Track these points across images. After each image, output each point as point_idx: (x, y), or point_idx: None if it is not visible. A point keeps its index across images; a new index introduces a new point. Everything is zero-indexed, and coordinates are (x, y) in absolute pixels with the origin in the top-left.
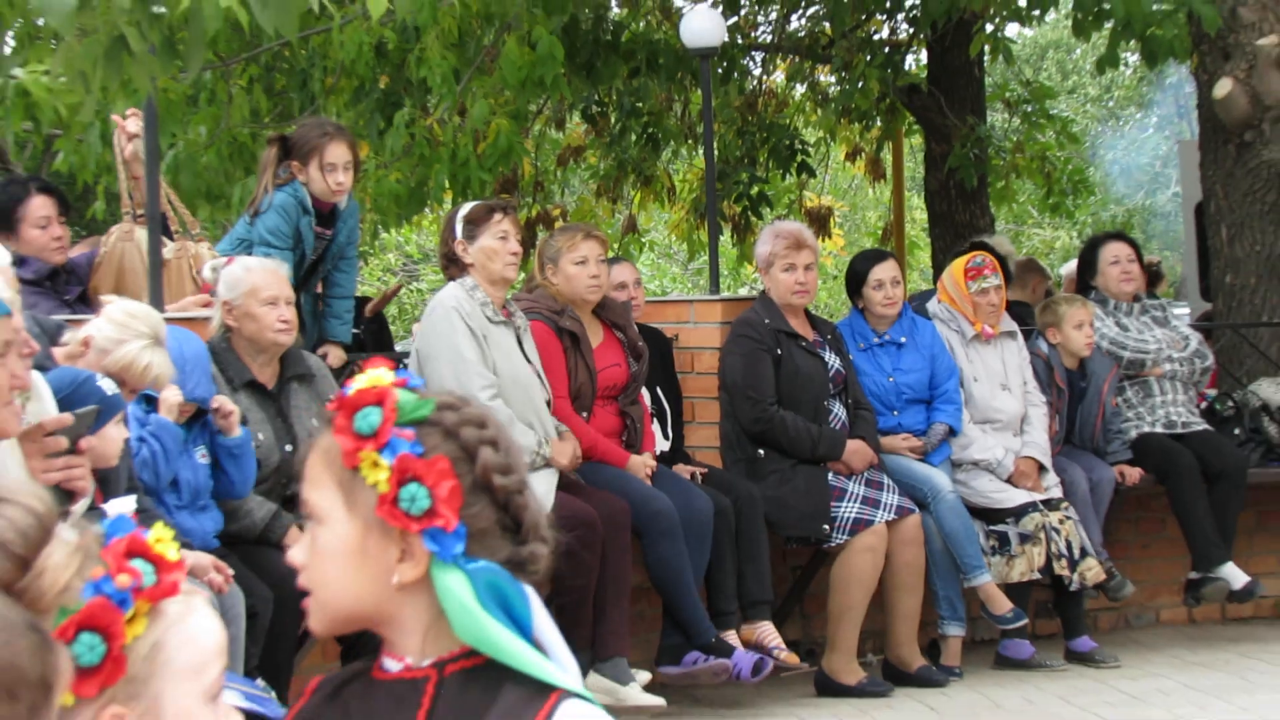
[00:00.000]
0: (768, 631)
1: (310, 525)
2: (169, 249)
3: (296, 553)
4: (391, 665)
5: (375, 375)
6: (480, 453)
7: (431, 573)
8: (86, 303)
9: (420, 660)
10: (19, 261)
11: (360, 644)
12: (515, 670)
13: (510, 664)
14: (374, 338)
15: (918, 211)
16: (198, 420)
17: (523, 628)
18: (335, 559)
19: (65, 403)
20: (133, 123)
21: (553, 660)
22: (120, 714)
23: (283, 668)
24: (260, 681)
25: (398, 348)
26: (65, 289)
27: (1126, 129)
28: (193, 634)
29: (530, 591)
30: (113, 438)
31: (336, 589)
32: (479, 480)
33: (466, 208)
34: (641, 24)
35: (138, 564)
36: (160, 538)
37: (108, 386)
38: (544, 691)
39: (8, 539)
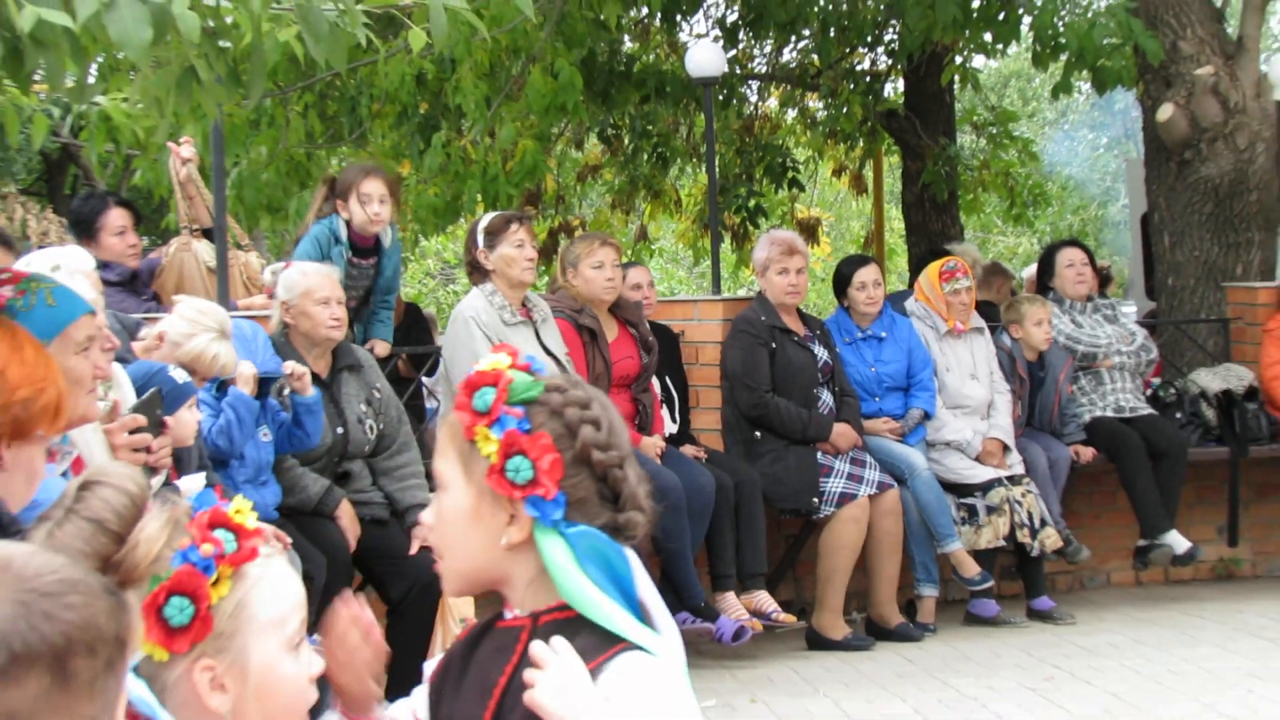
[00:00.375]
0: (764, 599)
1: (437, 492)
2: (204, 246)
3: (427, 514)
4: (507, 615)
5: (496, 359)
6: (581, 430)
7: (535, 536)
8: (159, 302)
9: (523, 612)
10: (103, 265)
11: (406, 607)
12: (595, 622)
13: (592, 617)
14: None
15: (896, 221)
16: (261, 397)
17: (623, 585)
18: (455, 522)
19: (141, 391)
20: (186, 149)
21: (652, 613)
22: (210, 666)
23: None
24: (316, 638)
25: (439, 341)
26: (143, 290)
27: (1080, 148)
28: (273, 592)
29: (630, 553)
30: (187, 421)
31: (457, 550)
32: (579, 454)
33: (486, 219)
34: (651, 56)
35: (220, 534)
36: (240, 509)
37: (179, 376)
38: (610, 642)
39: (105, 518)
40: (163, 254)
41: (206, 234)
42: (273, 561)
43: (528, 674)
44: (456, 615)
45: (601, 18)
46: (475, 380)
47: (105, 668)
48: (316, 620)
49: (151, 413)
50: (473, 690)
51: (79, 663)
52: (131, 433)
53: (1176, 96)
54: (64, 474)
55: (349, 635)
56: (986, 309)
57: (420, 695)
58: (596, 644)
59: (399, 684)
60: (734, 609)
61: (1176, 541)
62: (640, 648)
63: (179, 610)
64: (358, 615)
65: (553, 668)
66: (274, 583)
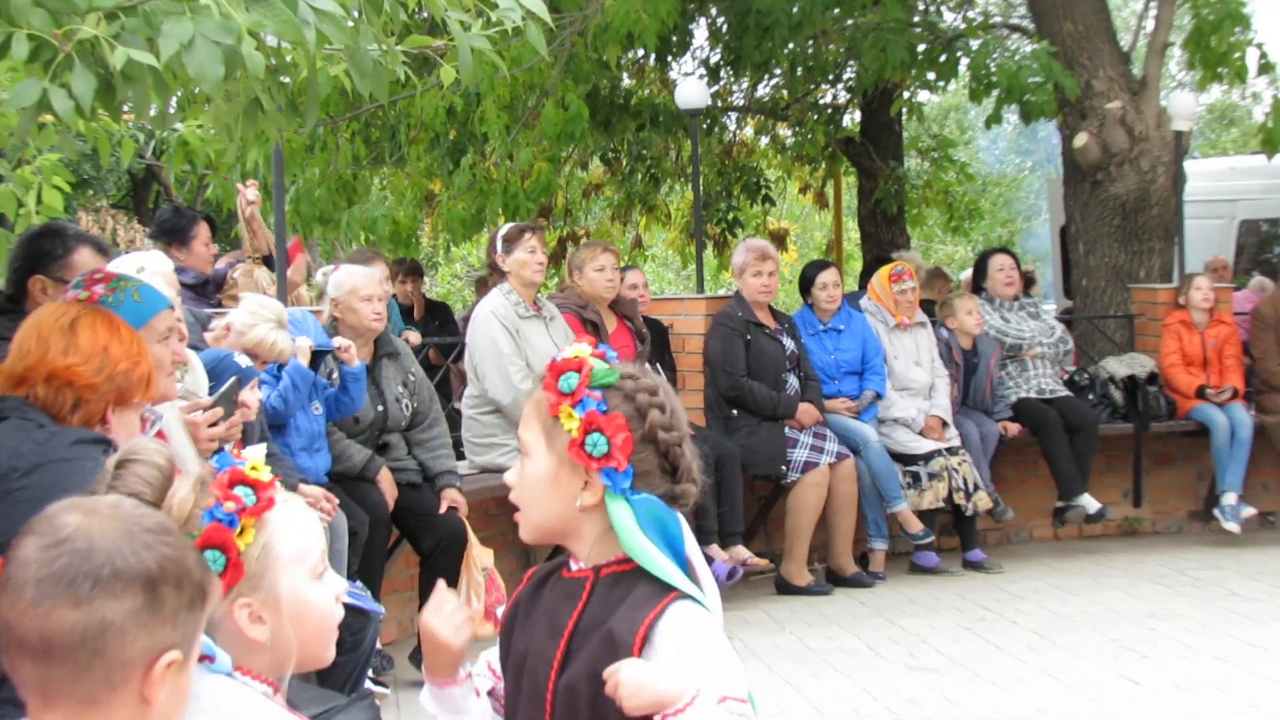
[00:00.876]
0: (742, 551)
1: (520, 457)
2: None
3: (510, 475)
4: (572, 566)
5: (578, 348)
6: (650, 413)
7: (605, 500)
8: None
9: (587, 564)
10: (179, 270)
11: (435, 558)
12: (652, 574)
13: (651, 570)
14: (436, 327)
15: (852, 232)
16: (313, 369)
17: (675, 546)
18: (536, 484)
19: (212, 374)
20: (251, 191)
21: (696, 570)
22: (247, 603)
23: (375, 573)
24: (359, 582)
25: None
26: (211, 295)
27: (1009, 169)
28: (292, 531)
29: (682, 519)
30: (250, 400)
31: (537, 506)
32: (647, 434)
33: (504, 229)
34: (646, 91)
35: (240, 490)
36: (254, 465)
37: (243, 361)
38: (666, 591)
39: (141, 490)
40: (231, 268)
41: (266, 261)
42: (289, 505)
43: (609, 688)
44: (479, 564)
45: (604, 59)
46: (561, 365)
47: (188, 604)
48: (362, 567)
49: (230, 399)
50: (543, 630)
51: (167, 591)
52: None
53: (1090, 127)
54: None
55: (455, 616)
56: (929, 306)
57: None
58: (654, 593)
59: None
60: (719, 558)
61: (1088, 503)
62: (691, 598)
63: (213, 561)
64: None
65: (625, 673)
66: (292, 523)
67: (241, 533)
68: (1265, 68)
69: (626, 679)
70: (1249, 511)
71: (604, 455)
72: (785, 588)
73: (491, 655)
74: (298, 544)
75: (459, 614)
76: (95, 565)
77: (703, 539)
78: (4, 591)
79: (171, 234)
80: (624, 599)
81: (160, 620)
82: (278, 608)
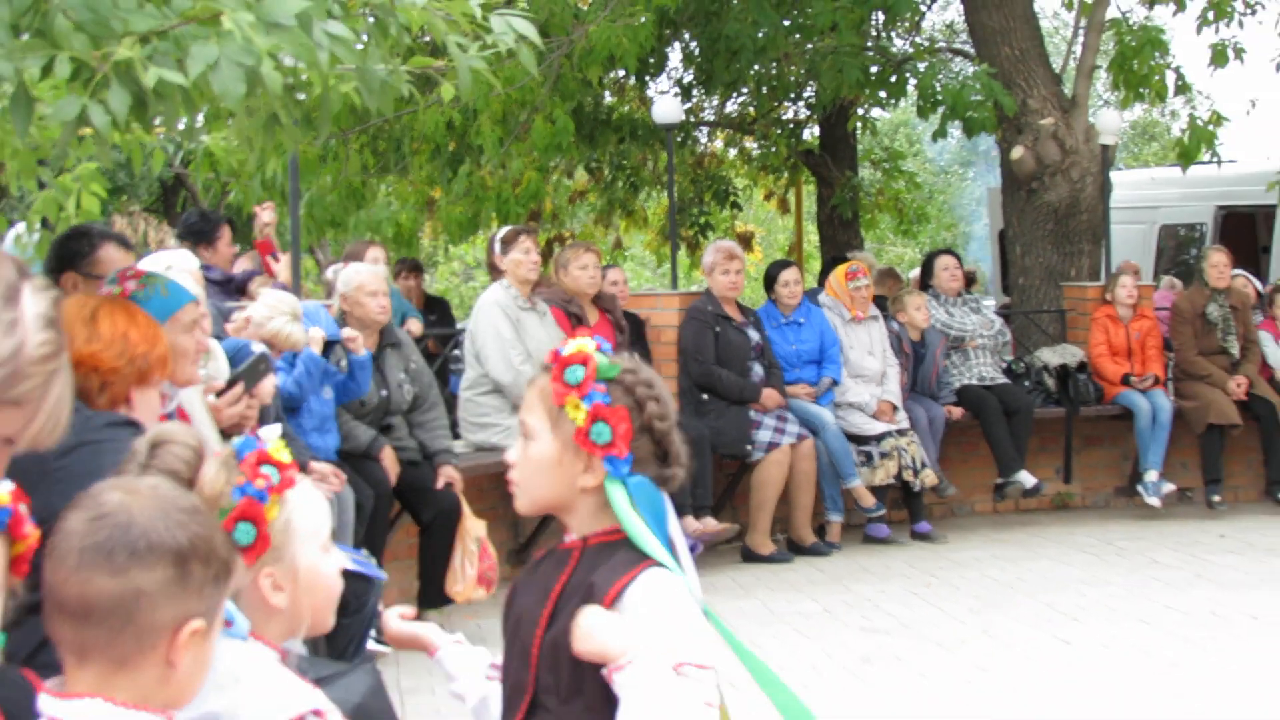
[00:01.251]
0: (711, 522)
1: (523, 439)
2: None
3: (511, 454)
4: (566, 539)
5: (581, 343)
6: (647, 405)
7: (604, 482)
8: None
9: (577, 535)
10: (206, 268)
11: (433, 528)
12: (634, 545)
13: (637, 543)
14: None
15: (812, 235)
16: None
17: (661, 524)
18: (540, 465)
19: (233, 361)
20: (266, 213)
21: (677, 549)
22: (271, 573)
23: (379, 543)
24: (364, 551)
25: (459, 325)
26: (234, 293)
27: (953, 180)
28: (308, 509)
29: (667, 500)
30: (266, 386)
31: (538, 485)
32: (644, 424)
33: (502, 232)
34: (626, 107)
35: (266, 469)
36: (278, 447)
37: (259, 350)
38: (642, 558)
39: (177, 469)
40: (249, 277)
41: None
42: (303, 485)
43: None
44: (472, 535)
45: (587, 78)
46: (567, 359)
47: (214, 579)
48: (367, 537)
49: (256, 372)
50: (535, 594)
51: (195, 565)
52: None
53: (1026, 141)
54: (170, 414)
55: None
56: (882, 302)
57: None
58: (632, 559)
59: (429, 584)
60: (690, 529)
61: (1025, 479)
62: (666, 566)
63: (245, 533)
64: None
65: (583, 617)
66: (307, 502)
67: (270, 507)
68: (1182, 88)
69: (582, 622)
70: (1169, 488)
71: (608, 443)
72: (750, 556)
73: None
74: (313, 520)
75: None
76: (132, 538)
77: (677, 512)
78: (50, 558)
79: (199, 235)
80: (605, 562)
81: (188, 592)
82: (295, 577)
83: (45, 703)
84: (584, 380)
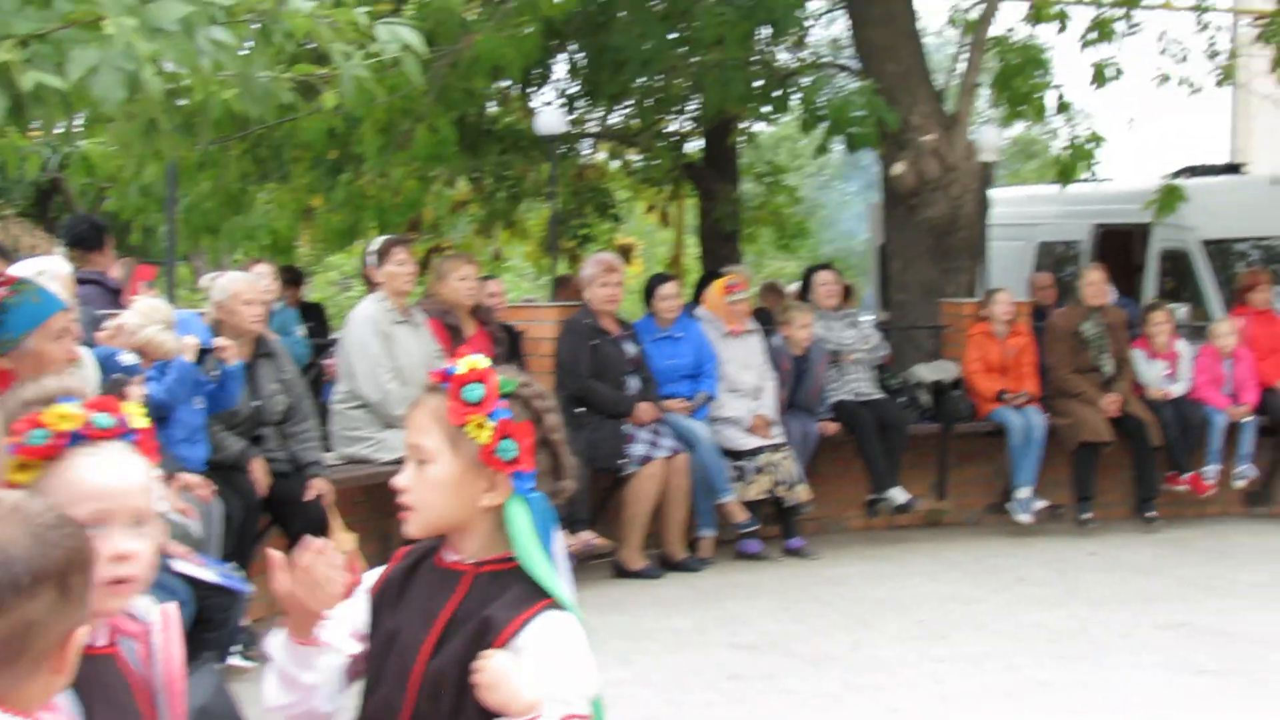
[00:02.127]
0: (588, 536)
1: (415, 462)
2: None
3: (403, 479)
4: (448, 556)
5: (474, 360)
6: (545, 418)
7: (507, 501)
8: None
9: (468, 559)
10: (98, 275)
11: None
12: (529, 576)
13: (532, 574)
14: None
15: (692, 248)
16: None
17: (548, 540)
18: (440, 487)
19: (102, 369)
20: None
21: (558, 564)
22: None
23: (247, 555)
24: (231, 564)
25: (332, 335)
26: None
27: (835, 195)
28: (75, 477)
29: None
30: (135, 394)
31: (437, 507)
32: (544, 437)
33: (376, 244)
34: (510, 118)
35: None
36: (60, 413)
37: (129, 359)
38: (538, 596)
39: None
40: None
41: None
42: (92, 454)
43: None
44: (341, 549)
45: (472, 88)
46: (463, 378)
47: (88, 583)
48: (236, 549)
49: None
50: (416, 614)
51: (75, 579)
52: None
53: (907, 157)
54: None
55: (316, 567)
56: (761, 315)
57: (358, 605)
58: (527, 596)
59: None
60: (566, 543)
61: (898, 495)
62: (563, 606)
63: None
64: (327, 554)
65: (493, 662)
66: (76, 470)
67: (14, 469)
68: (1061, 107)
69: (493, 667)
70: (1040, 505)
71: (514, 460)
72: (621, 572)
73: (356, 623)
74: (79, 490)
75: (329, 571)
76: (15, 575)
77: (568, 527)
78: None
79: (86, 242)
80: (500, 595)
81: (72, 604)
82: None
83: None
84: (486, 398)
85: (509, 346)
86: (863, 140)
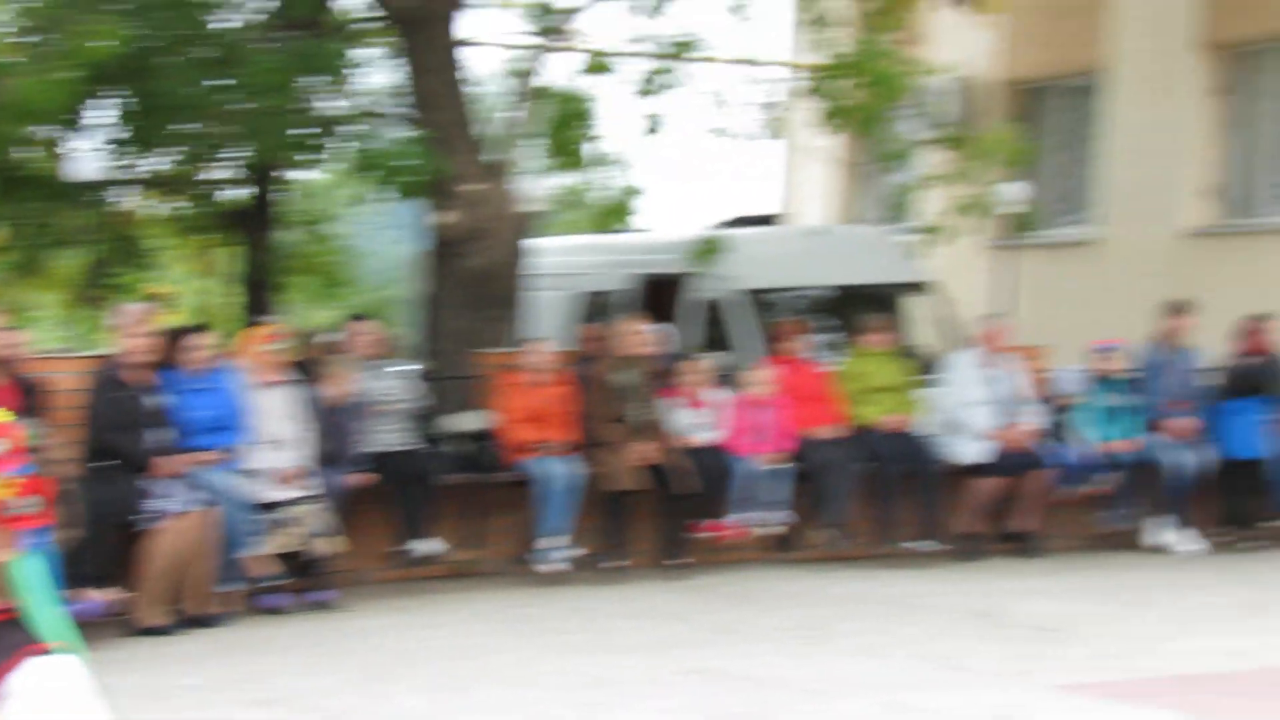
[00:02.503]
0: (97, 594)
1: None
2: None
3: None
4: None
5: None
6: (61, 470)
7: (15, 554)
8: None
9: None
10: None
11: None
12: (30, 626)
13: (34, 621)
14: None
15: (232, 296)
16: None
17: (52, 591)
18: None
19: None
20: None
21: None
22: None
23: None
24: None
25: None
26: None
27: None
28: None
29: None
30: None
31: None
32: (60, 490)
33: None
34: (44, 163)
35: None
36: None
37: None
38: (28, 644)
39: None
40: None
41: None
42: None
43: None
44: None
45: (4, 133)
46: None
47: None
48: None
49: None
50: None
51: None
52: None
53: (452, 206)
54: None
55: None
56: (300, 366)
57: None
58: (19, 642)
59: None
60: (80, 599)
61: (425, 545)
62: (54, 651)
63: None
64: None
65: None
66: None
67: None
68: (600, 159)
69: None
70: (570, 553)
71: (38, 514)
72: (138, 629)
73: None
74: None
75: None
76: None
77: (69, 583)
78: None
79: None
80: None
81: None
82: None
83: None
84: (12, 453)
85: (32, 398)
86: (413, 189)
